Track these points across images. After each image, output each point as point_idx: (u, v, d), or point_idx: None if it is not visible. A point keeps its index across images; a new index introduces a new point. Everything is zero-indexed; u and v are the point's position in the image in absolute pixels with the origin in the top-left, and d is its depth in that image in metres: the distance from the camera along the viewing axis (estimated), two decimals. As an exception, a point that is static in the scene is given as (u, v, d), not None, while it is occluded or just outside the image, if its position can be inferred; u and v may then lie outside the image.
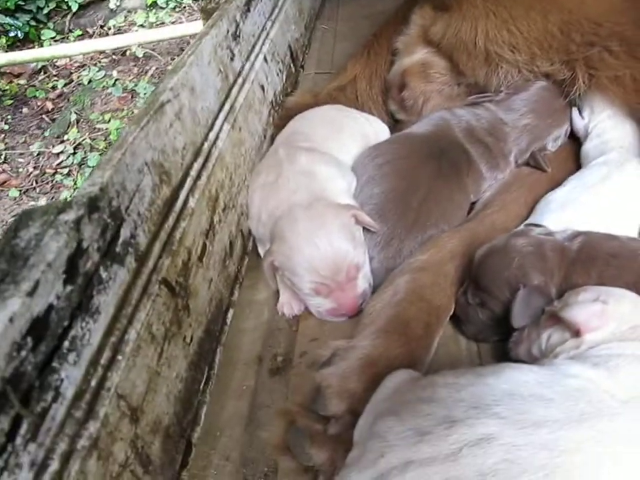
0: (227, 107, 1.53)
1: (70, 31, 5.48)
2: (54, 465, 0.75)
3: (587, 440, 0.83)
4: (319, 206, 1.31)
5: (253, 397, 1.23)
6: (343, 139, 1.60)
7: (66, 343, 0.80)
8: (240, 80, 1.66)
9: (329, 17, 2.92)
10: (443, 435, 0.83)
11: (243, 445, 1.14)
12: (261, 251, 1.49)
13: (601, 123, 1.51)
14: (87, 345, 0.84)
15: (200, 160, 1.32)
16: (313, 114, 1.72)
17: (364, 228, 1.36)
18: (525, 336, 1.11)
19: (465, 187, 1.48)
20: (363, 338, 1.18)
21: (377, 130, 1.72)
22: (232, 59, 1.62)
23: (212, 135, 1.41)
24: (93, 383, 0.85)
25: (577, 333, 0.99)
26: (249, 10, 1.83)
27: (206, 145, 1.37)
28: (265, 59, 1.89)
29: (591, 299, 1.03)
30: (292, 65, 2.23)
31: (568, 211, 1.33)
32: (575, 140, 1.60)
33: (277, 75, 2.01)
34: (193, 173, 1.28)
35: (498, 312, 1.19)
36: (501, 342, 1.20)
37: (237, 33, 1.69)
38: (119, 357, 0.91)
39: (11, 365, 0.69)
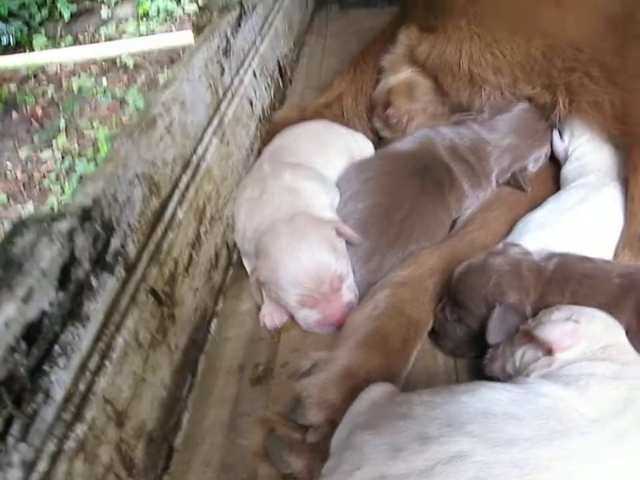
0: (215, 121, 1.56)
1: (62, 38, 5.50)
2: (42, 465, 0.78)
3: (557, 458, 0.86)
4: (300, 220, 1.35)
5: (234, 405, 1.25)
6: (328, 155, 1.63)
7: (57, 348, 0.82)
8: (229, 94, 1.69)
9: (318, 32, 2.95)
10: (417, 451, 0.86)
11: (223, 451, 1.17)
12: (246, 264, 1.52)
13: (581, 146, 1.55)
14: (77, 350, 0.87)
15: (189, 172, 1.35)
16: (299, 129, 1.75)
17: (347, 243, 1.39)
18: (499, 353, 1.14)
19: (448, 204, 1.52)
20: (343, 350, 1.21)
21: (362, 146, 1.75)
22: (222, 74, 1.65)
23: (201, 149, 1.44)
24: (82, 387, 0.87)
25: (549, 352, 1.02)
26: (239, 25, 1.86)
27: (195, 158, 1.40)
28: (254, 74, 1.93)
29: (564, 318, 1.07)
30: (280, 80, 2.26)
31: (546, 232, 1.37)
32: (555, 162, 1.64)
33: (265, 89, 2.04)
34: (182, 185, 1.31)
35: (475, 328, 1.22)
36: (477, 358, 1.22)
37: (228, 48, 1.72)
38: (107, 363, 0.94)
39: (4, 367, 0.71)
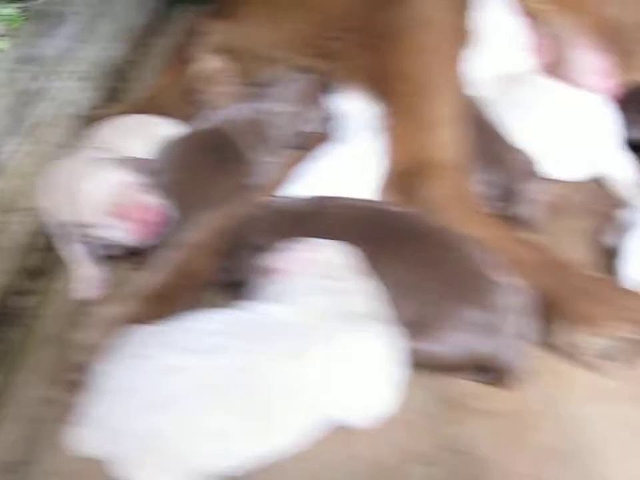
0: (26, 124, 1.71)
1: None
2: None
3: (261, 360, 1.07)
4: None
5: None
6: (137, 144, 1.76)
7: None
8: (38, 99, 1.83)
9: (157, 32, 2.96)
10: (135, 369, 1.08)
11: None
12: (61, 249, 1.62)
13: (346, 106, 1.78)
14: None
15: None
16: (113, 123, 1.87)
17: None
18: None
19: (234, 174, 1.68)
20: (121, 303, 1.40)
21: (171, 133, 1.87)
22: (31, 80, 1.80)
23: (8, 149, 1.61)
24: None
25: (275, 277, 1.22)
26: (51, 32, 2.00)
27: (3, 157, 1.58)
28: (72, 78, 2.06)
29: (291, 248, 1.27)
30: (110, 82, 2.37)
31: (307, 180, 1.59)
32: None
33: (88, 92, 2.17)
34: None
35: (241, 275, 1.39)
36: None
37: (37, 55, 1.86)
38: None
39: None
